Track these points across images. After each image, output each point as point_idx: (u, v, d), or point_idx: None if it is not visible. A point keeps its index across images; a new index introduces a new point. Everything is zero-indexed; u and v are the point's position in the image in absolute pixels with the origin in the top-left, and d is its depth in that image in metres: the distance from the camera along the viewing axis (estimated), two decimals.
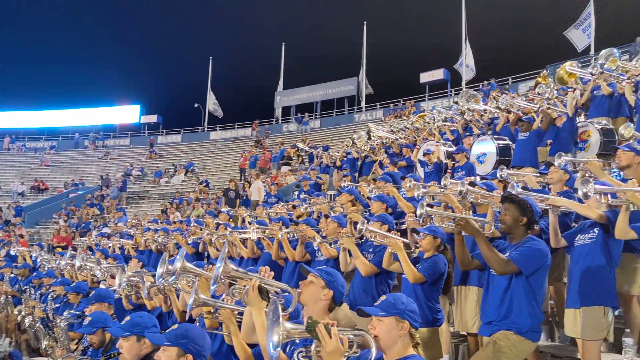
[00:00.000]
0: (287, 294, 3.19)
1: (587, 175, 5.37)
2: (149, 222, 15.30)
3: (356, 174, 14.15)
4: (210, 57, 42.30)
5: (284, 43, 40.76)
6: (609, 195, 4.09)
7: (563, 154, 5.80)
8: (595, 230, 4.26)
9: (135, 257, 8.18)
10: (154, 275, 5.14)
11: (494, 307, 3.84)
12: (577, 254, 4.41)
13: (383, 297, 2.84)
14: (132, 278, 5.62)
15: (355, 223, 6.38)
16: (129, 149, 39.00)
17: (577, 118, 9.46)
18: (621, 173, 5.13)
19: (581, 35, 25.36)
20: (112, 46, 60.52)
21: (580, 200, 4.36)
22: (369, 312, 2.77)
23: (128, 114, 44.00)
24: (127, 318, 3.64)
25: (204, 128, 40.70)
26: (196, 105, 42.53)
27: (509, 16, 45.97)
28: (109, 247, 11.13)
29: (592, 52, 24.58)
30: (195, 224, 9.58)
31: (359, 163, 14.61)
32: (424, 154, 10.45)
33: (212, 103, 40.95)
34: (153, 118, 43.29)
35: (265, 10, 57.78)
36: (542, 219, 4.80)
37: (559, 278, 5.41)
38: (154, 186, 29.85)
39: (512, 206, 3.93)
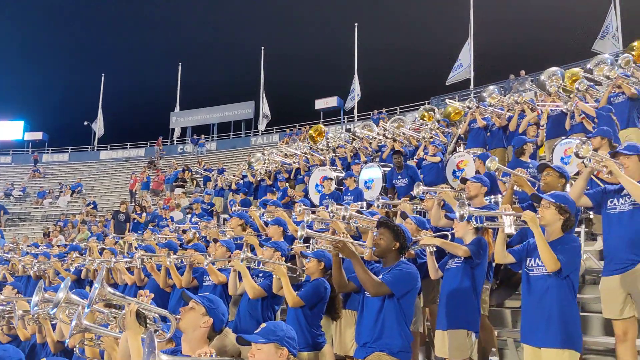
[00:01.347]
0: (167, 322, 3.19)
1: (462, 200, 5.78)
2: (28, 245, 14.38)
3: (251, 198, 14.20)
4: (103, 74, 40.91)
5: (180, 63, 40.24)
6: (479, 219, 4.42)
7: (421, 183, 6.18)
8: (462, 257, 4.59)
9: (10, 283, 7.68)
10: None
11: (368, 328, 3.98)
12: (446, 277, 4.73)
13: (263, 325, 2.93)
14: (2, 308, 5.30)
15: (251, 245, 6.49)
16: (10, 168, 36.37)
17: (456, 148, 10.21)
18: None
19: (461, 70, 27.23)
20: None
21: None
22: (248, 340, 2.84)
23: (10, 129, 40.94)
24: None
25: (93, 147, 38.98)
26: (86, 123, 40.70)
27: (398, 50, 48.32)
28: None
29: (471, 86, 26.51)
30: (76, 252, 9.14)
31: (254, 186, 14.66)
32: (324, 180, 10.71)
33: (100, 121, 39.38)
34: (38, 135, 40.68)
35: (161, 29, 56.73)
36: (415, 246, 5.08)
37: (434, 300, 5.68)
38: (36, 207, 28.08)
39: (387, 231, 4.13)
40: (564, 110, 8.89)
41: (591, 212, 5.27)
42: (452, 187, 7.86)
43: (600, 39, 23.43)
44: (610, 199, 4.34)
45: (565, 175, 4.82)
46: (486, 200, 5.88)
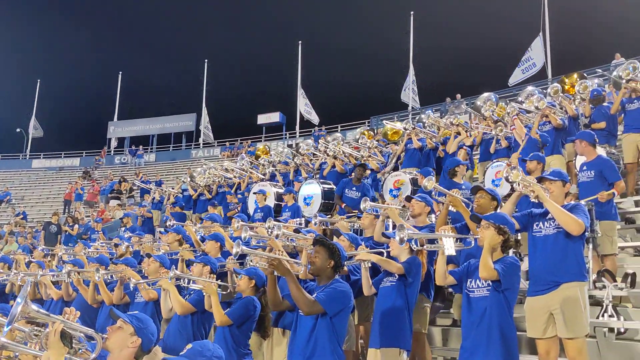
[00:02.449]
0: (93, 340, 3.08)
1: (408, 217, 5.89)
2: None
3: (189, 212, 13.98)
4: (39, 80, 39.45)
5: (120, 72, 39.37)
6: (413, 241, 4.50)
7: (368, 199, 6.25)
8: (396, 274, 4.67)
9: None
10: None
11: (300, 347, 3.97)
12: (380, 295, 4.79)
13: (189, 346, 2.88)
14: None
15: (186, 261, 6.36)
16: None
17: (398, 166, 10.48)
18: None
19: (408, 93, 27.90)
20: None
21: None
22: None
23: None
24: None
25: (25, 155, 37.41)
26: (18, 129, 39.10)
27: (340, 70, 49.04)
28: None
29: (409, 107, 27.19)
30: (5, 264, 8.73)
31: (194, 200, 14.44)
32: (255, 193, 10.69)
33: (32, 127, 37.86)
34: None
35: (101, 35, 55.38)
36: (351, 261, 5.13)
37: (368, 318, 5.73)
38: None
39: (322, 249, 4.14)
40: (492, 136, 9.32)
41: (519, 234, 5.44)
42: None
43: (520, 67, 24.53)
44: (536, 222, 4.52)
45: (497, 198, 4.98)
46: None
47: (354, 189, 9.61)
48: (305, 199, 10.49)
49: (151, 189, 17.53)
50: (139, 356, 3.08)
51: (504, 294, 3.95)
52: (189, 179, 15.35)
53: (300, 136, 30.67)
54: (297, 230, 6.06)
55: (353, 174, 9.75)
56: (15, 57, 53.61)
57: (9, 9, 53.13)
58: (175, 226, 8.09)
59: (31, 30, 55.77)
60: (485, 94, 11.65)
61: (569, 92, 11.63)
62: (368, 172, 10.36)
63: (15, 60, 53.28)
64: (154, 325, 3.23)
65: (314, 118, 32.17)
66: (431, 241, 4.40)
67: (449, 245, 4.07)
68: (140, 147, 35.00)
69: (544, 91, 11.84)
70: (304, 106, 32.69)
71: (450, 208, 5.36)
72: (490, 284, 3.98)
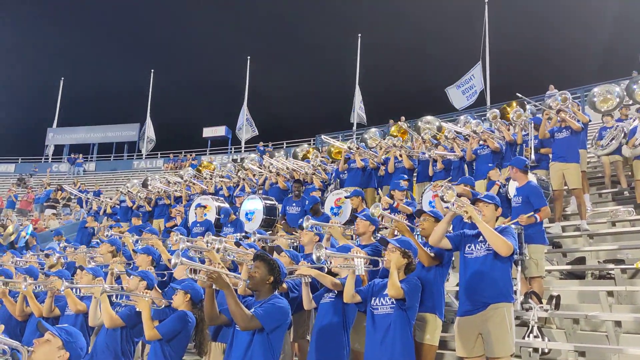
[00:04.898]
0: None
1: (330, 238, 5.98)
2: None
3: (126, 224, 13.65)
4: None
5: (63, 77, 38.21)
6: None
7: (310, 217, 6.32)
8: (335, 291, 4.76)
9: None
10: None
11: None
12: (319, 311, 4.86)
13: None
14: None
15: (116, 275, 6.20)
16: None
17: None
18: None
19: (358, 113, 28.35)
20: None
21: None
22: None
23: None
24: None
25: None
26: None
27: (287, 86, 49.30)
28: None
29: (354, 127, 27.63)
30: None
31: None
32: (196, 207, 10.60)
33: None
34: None
35: (44, 40, 53.56)
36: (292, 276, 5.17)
37: (303, 335, 5.76)
38: None
39: (262, 264, 4.16)
40: (427, 158, 9.63)
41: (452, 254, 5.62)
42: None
43: (465, 95, 25.37)
44: (468, 244, 4.69)
45: (440, 219, 5.08)
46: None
47: (294, 204, 9.70)
48: (247, 214, 10.47)
49: (89, 198, 17.03)
50: None
51: (407, 312, 4.26)
52: (127, 190, 15.00)
53: (245, 151, 30.55)
54: (237, 244, 6.05)
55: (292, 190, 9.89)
56: None
57: None
58: (111, 237, 7.91)
59: None
60: (427, 117, 12.01)
61: (508, 119, 12.17)
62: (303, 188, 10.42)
63: None
64: (83, 339, 3.16)
65: (247, 135, 31.99)
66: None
67: (359, 265, 4.46)
68: (80, 155, 33.93)
69: (482, 118, 12.33)
70: (245, 120, 32.73)
71: (396, 233, 5.50)
72: (395, 302, 4.27)
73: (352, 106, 28.84)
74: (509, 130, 9.98)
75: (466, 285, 4.64)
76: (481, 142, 9.29)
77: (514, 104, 12.91)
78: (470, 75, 25.44)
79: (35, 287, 5.99)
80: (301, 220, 6.30)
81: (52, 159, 36.18)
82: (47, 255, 8.79)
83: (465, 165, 9.59)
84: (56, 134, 37.63)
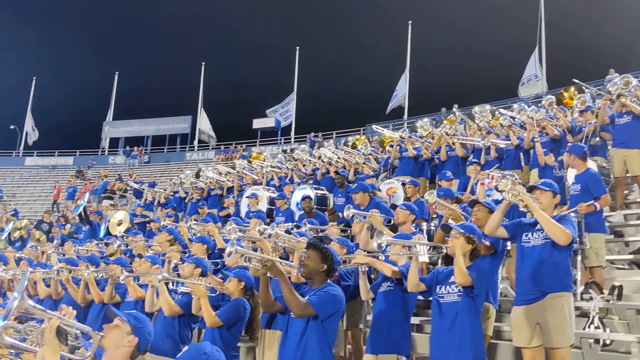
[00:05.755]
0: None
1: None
2: None
3: (181, 214, 13.96)
4: (34, 78, 39.34)
5: (117, 72, 39.31)
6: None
7: (351, 207, 6.30)
8: (394, 280, 4.70)
9: None
10: None
11: (291, 349, 3.98)
12: (377, 300, 4.81)
13: (185, 348, 2.88)
14: None
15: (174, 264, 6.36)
16: None
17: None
18: None
19: (397, 99, 28.09)
20: None
21: None
22: None
23: None
24: None
25: (18, 152, 37.27)
26: (12, 126, 38.93)
27: (338, 76, 49.22)
28: None
29: (405, 116, 27.33)
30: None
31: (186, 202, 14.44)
32: (248, 197, 10.73)
33: (30, 126, 37.69)
34: None
35: (99, 35, 55.28)
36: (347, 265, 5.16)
37: (356, 324, 5.78)
38: None
39: (315, 253, 4.17)
40: (481, 146, 9.41)
41: (508, 244, 5.50)
42: None
43: (522, 85, 24.79)
44: (525, 233, 4.57)
45: (494, 210, 4.97)
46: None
47: (340, 194, 9.68)
48: (297, 204, 10.51)
49: (144, 189, 17.51)
50: (135, 356, 3.03)
51: (475, 299, 4.11)
52: (179, 181, 15.33)
53: (295, 141, 30.74)
54: (288, 233, 6.10)
55: None
56: (10, 54, 53.55)
57: (6, 6, 53.04)
58: (168, 226, 8.10)
59: (28, 27, 55.70)
60: (482, 105, 11.77)
61: (567, 105, 11.76)
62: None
63: (11, 58, 53.22)
64: (151, 325, 3.20)
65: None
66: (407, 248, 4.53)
67: (422, 252, 4.28)
68: (135, 148, 34.95)
69: (538, 104, 11.96)
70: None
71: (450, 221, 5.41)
72: (462, 289, 4.11)
73: (395, 94, 28.55)
74: (565, 116, 9.64)
75: (523, 274, 4.52)
76: (540, 130, 8.99)
77: (572, 89, 12.48)
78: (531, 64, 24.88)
79: (97, 275, 6.21)
80: None
81: (108, 151, 37.34)
82: (107, 244, 9.11)
83: (521, 153, 9.34)
84: (111, 127, 38.83)
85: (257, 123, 35.33)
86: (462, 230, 4.22)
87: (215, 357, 2.73)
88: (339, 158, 11.97)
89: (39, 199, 28.25)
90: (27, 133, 37.47)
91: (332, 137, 27.08)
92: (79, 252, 8.33)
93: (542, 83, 24.31)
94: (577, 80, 10.99)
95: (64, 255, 8.31)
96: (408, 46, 29.83)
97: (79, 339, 3.04)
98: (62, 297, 6.81)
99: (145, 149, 36.45)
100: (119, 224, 12.15)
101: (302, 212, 10.27)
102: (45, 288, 6.95)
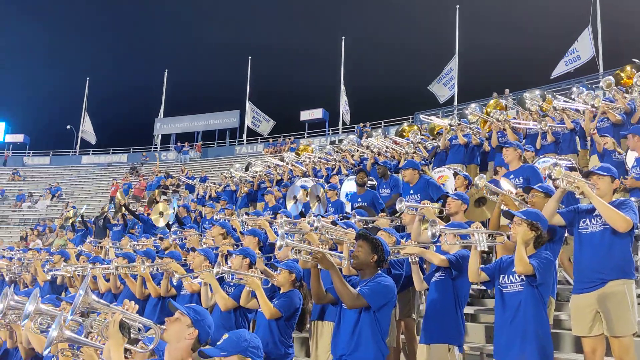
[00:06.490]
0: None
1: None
2: (3, 249, 14.15)
3: (233, 207, 14.16)
4: (88, 78, 40.61)
5: (166, 69, 40.16)
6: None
7: (404, 200, 6.19)
8: (444, 269, 4.60)
9: None
10: None
11: (344, 340, 3.99)
12: (430, 290, 4.75)
13: (225, 336, 2.89)
14: None
15: (225, 256, 6.45)
16: None
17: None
18: None
19: (443, 88, 27.58)
20: None
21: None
22: (209, 354, 2.79)
23: None
24: None
25: (75, 151, 38.64)
26: (69, 126, 40.38)
27: (385, 65, 48.78)
28: None
29: (455, 102, 26.83)
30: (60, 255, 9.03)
31: (237, 196, 14.65)
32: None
33: (87, 126, 38.93)
34: (19, 137, 40.15)
35: (148, 35, 56.56)
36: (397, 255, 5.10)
37: (409, 314, 5.75)
38: (14, 210, 27.69)
39: (365, 244, 4.15)
40: (537, 130, 9.12)
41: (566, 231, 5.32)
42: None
43: (564, 59, 23.86)
44: (583, 219, 4.41)
45: (550, 195, 4.81)
46: None
47: (384, 186, 9.58)
48: (347, 195, 10.47)
49: (196, 184, 17.85)
50: (196, 348, 3.07)
51: (539, 289, 3.93)
52: (230, 175, 15.55)
53: (343, 132, 30.69)
54: (334, 224, 6.09)
55: None
56: (64, 56, 55.50)
57: (59, 10, 54.90)
58: (221, 220, 8.22)
59: (80, 30, 57.57)
60: (534, 90, 11.43)
61: (625, 85, 11.27)
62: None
63: (65, 60, 55.18)
64: (210, 318, 3.25)
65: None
66: (464, 238, 4.38)
67: (481, 240, 4.14)
68: (186, 143, 35.67)
69: (594, 86, 11.51)
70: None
71: (503, 207, 5.26)
72: (524, 278, 3.95)
73: (440, 80, 28.06)
74: (624, 97, 9.24)
75: (582, 261, 4.38)
76: (601, 115, 8.66)
77: (628, 68, 11.94)
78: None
79: (152, 269, 6.36)
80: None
81: (160, 147, 38.25)
82: (161, 238, 9.33)
83: (577, 137, 9.02)
84: (163, 124, 39.69)
85: (305, 115, 35.50)
86: (524, 217, 4.05)
87: (255, 343, 2.80)
88: (387, 148, 11.88)
89: (96, 196, 29.21)
90: (85, 132, 38.68)
91: (380, 127, 26.91)
92: (135, 246, 8.56)
93: (597, 63, 23.29)
94: (636, 60, 10.52)
95: (121, 249, 8.55)
96: (456, 31, 29.23)
97: (141, 332, 3.12)
98: (121, 291, 7.02)
99: (196, 145, 37.10)
100: (161, 215, 12.33)
101: (351, 203, 10.25)
102: (105, 283, 7.17)
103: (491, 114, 10.46)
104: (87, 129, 38.69)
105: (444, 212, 5.93)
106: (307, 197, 10.45)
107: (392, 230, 5.72)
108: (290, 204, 10.45)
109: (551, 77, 23.25)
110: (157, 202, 13.66)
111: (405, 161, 8.57)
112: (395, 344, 5.64)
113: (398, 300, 5.38)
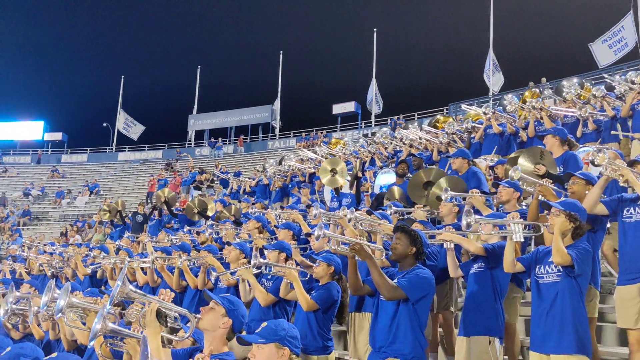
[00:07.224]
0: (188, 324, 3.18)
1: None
2: (45, 244, 14.51)
3: (266, 201, 14.23)
4: (123, 76, 41.31)
5: (199, 66, 40.58)
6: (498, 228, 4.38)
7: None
8: (483, 260, 4.55)
9: (27, 281, 7.77)
10: None
11: (382, 332, 3.97)
12: (469, 282, 4.68)
13: (264, 324, 2.92)
14: (18, 306, 5.34)
15: (259, 249, 6.48)
16: (30, 167, 36.76)
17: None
18: None
19: (492, 77, 27.14)
20: (15, 56, 56.99)
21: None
22: (248, 340, 2.83)
23: (30, 130, 41.42)
24: None
25: (112, 148, 39.38)
26: (105, 124, 41.20)
27: (416, 56, 48.30)
28: None
29: (490, 92, 26.38)
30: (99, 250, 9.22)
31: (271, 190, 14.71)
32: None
33: (122, 122, 39.63)
34: (58, 136, 41.22)
35: (181, 32, 57.29)
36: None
37: (447, 307, 5.67)
38: (54, 207, 28.42)
39: (404, 236, 4.14)
40: (577, 118, 8.88)
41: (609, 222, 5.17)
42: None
43: (603, 42, 23.07)
44: (627, 208, 4.30)
45: (592, 182, 4.69)
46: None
47: None
48: (381, 188, 10.41)
49: (230, 179, 17.99)
50: (230, 337, 3.15)
51: (577, 279, 3.82)
52: (262, 169, 15.62)
53: (375, 125, 30.53)
54: (369, 213, 6.04)
55: None
56: (100, 54, 56.66)
57: (93, 10, 56.02)
58: (256, 214, 8.25)
59: (114, 30, 58.65)
60: (572, 78, 11.15)
61: None
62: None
63: (101, 58, 56.37)
64: (244, 308, 3.30)
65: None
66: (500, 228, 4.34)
67: (517, 231, 4.08)
68: (220, 139, 36.01)
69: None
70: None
71: (540, 197, 5.13)
72: (562, 269, 3.85)
73: (484, 72, 27.64)
74: None
75: (627, 251, 4.28)
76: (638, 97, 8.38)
77: None
78: (619, 26, 22.96)
79: (189, 263, 6.43)
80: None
81: (194, 143, 38.70)
82: (197, 233, 9.43)
83: (618, 125, 8.75)
84: (196, 120, 40.14)
85: (337, 108, 35.45)
86: (562, 208, 3.94)
87: (293, 333, 2.84)
88: (420, 139, 11.76)
89: (133, 192, 29.71)
90: (124, 129, 39.38)
91: (414, 119, 26.66)
92: (172, 241, 8.67)
93: (638, 49, 22.51)
94: None
95: (158, 243, 8.67)
96: (491, 20, 28.72)
97: (178, 321, 3.18)
98: (158, 285, 7.10)
99: (229, 140, 37.44)
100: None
101: None
102: (143, 276, 7.28)
103: (527, 103, 10.24)
104: (124, 124, 39.32)
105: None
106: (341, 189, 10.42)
107: (427, 222, 5.65)
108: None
109: (600, 66, 22.48)
110: None
111: (456, 149, 8.44)
112: (432, 337, 5.57)
113: (435, 292, 5.32)
